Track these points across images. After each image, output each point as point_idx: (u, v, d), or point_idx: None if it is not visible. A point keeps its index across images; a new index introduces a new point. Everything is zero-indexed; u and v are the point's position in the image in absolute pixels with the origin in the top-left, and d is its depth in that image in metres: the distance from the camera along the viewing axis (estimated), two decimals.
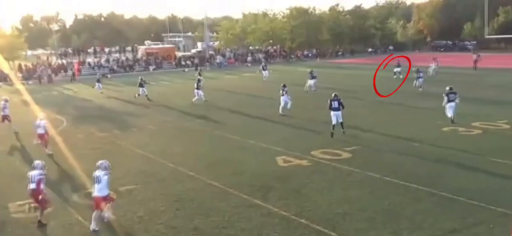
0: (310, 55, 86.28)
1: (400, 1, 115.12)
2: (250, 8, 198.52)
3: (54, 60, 78.22)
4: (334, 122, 21.22)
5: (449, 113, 23.20)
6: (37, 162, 13.05)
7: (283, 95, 27.62)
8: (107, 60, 73.20)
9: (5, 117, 25.29)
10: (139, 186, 15.35)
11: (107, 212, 12.19)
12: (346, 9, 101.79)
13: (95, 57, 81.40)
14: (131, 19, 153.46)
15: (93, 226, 11.99)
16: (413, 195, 13.61)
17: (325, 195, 13.88)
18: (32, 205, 13.19)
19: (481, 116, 24.12)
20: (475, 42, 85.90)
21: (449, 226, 11.39)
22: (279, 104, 27.33)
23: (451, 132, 21.41)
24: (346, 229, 11.54)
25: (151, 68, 69.27)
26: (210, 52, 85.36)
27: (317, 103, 28.99)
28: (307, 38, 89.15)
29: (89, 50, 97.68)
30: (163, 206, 13.51)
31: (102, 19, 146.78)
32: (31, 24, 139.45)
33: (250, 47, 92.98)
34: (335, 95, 21.69)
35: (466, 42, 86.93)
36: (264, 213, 12.71)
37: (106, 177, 11.92)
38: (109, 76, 62.17)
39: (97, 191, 11.92)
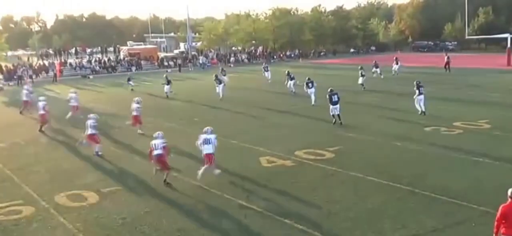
0: (292, 55, 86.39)
1: (381, 2, 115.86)
2: (232, 8, 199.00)
3: (35, 61, 77.18)
4: (333, 113, 23.55)
5: (421, 107, 24.98)
6: (158, 133, 15.62)
7: (310, 88, 29.67)
8: (89, 61, 72.41)
9: (74, 108, 28.79)
10: (122, 188, 15.25)
11: (217, 170, 15.49)
12: (328, 9, 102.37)
13: (77, 58, 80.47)
14: (113, 20, 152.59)
15: (199, 177, 15.06)
16: (396, 194, 13.74)
17: (309, 195, 13.93)
18: (157, 168, 15.31)
19: (462, 116, 24.36)
20: (456, 42, 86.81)
21: (431, 225, 11.50)
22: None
23: (433, 131, 21.61)
24: (331, 229, 11.59)
25: (133, 68, 68.66)
26: (193, 52, 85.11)
27: (298, 103, 29.04)
28: (290, 39, 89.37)
29: (70, 51, 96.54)
30: (147, 208, 13.43)
31: (84, 19, 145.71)
32: (12, 25, 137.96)
33: (233, 48, 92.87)
34: (331, 90, 23.86)
35: (447, 43, 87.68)
36: (248, 214, 12.72)
37: (215, 139, 15.34)
38: (91, 77, 61.59)
39: (207, 150, 15.18)
